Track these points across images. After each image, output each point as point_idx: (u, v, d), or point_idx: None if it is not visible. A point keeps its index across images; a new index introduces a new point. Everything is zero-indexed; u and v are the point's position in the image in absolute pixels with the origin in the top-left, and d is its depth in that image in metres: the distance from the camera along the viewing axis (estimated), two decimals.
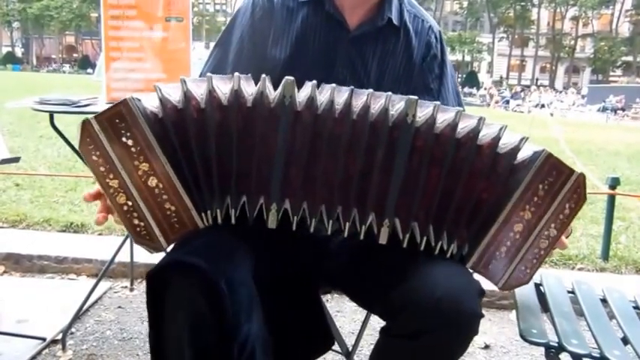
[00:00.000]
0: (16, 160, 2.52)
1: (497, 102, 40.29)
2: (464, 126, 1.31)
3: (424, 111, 1.31)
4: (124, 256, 3.13)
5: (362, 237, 1.36)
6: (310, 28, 1.66)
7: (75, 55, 75.41)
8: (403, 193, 1.33)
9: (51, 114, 2.57)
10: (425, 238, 1.36)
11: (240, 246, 1.39)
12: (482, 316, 1.34)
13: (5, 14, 68.88)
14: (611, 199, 4.31)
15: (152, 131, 1.26)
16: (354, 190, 1.34)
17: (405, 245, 1.35)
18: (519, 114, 29.54)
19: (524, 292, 1.98)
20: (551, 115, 26.42)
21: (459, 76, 69.52)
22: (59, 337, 2.70)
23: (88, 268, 3.60)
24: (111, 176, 1.27)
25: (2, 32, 73.24)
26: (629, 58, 66.61)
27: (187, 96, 1.28)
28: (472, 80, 60.85)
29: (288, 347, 1.61)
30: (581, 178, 1.30)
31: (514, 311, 3.32)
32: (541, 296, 1.98)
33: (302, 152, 1.32)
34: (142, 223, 1.30)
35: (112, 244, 3.50)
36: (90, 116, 1.26)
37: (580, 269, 4.01)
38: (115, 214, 1.33)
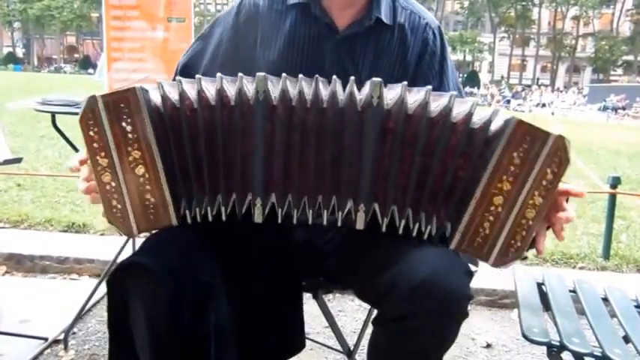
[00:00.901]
0: (19, 160, 2.53)
1: (497, 102, 40.24)
2: (436, 105, 1.31)
3: (392, 93, 1.32)
4: (126, 256, 3.13)
5: (340, 223, 1.37)
6: (299, 31, 1.67)
7: (76, 55, 75.45)
8: (378, 176, 1.33)
9: (53, 114, 2.57)
10: (403, 221, 1.35)
11: (200, 245, 1.43)
12: (470, 297, 1.33)
13: (6, 14, 68.92)
14: (612, 198, 4.31)
15: (152, 124, 1.30)
16: (330, 178, 1.35)
17: (383, 229, 1.36)
18: (520, 113, 29.51)
19: (526, 291, 1.98)
20: (552, 114, 26.39)
21: (460, 75, 69.46)
22: (61, 337, 2.70)
23: (90, 268, 3.61)
24: (102, 154, 1.31)
25: (3, 32, 73.29)
26: (630, 58, 66.55)
27: (182, 96, 1.32)
28: (473, 80, 60.79)
29: (263, 344, 1.63)
30: (560, 140, 1.26)
31: (516, 310, 3.33)
32: (543, 295, 1.98)
33: (280, 145, 1.34)
34: (119, 206, 1.34)
35: (113, 244, 3.50)
36: (98, 93, 1.30)
37: (581, 268, 4.02)
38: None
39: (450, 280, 1.30)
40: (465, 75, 65.06)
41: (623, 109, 33.70)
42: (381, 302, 1.38)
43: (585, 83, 63.50)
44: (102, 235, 4.12)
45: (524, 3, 68.48)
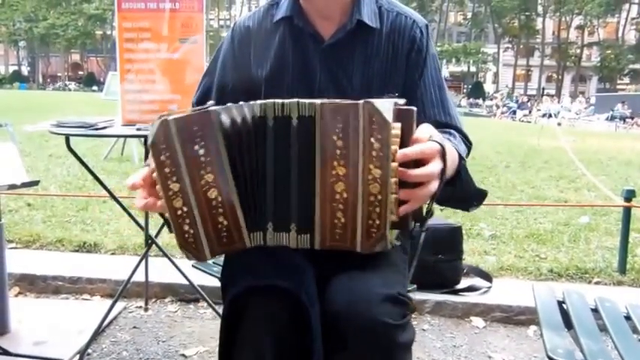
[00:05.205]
0: (36, 183, 2.54)
1: (503, 113, 40.19)
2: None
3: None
4: (138, 276, 3.12)
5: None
6: (287, 45, 1.70)
7: (80, 72, 75.82)
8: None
9: (67, 137, 2.60)
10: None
11: (302, 260, 1.43)
12: (393, 324, 1.31)
13: (12, 34, 69.39)
14: (627, 212, 4.27)
15: (226, 146, 1.29)
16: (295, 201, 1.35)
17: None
18: (526, 124, 29.47)
19: (547, 310, 1.96)
20: (559, 124, 26.33)
21: (465, 87, 69.54)
22: (76, 358, 2.70)
23: (102, 288, 3.60)
24: (174, 179, 1.29)
25: (9, 51, 73.77)
26: (637, 66, 66.45)
27: (244, 119, 1.32)
28: (478, 91, 60.80)
29: None
30: (368, 105, 1.23)
31: (532, 327, 3.31)
32: (564, 313, 1.96)
33: (283, 168, 1.34)
34: (192, 231, 1.33)
35: (125, 263, 3.50)
36: (170, 117, 1.28)
37: (597, 283, 3.97)
38: (156, 206, 1.36)
39: (364, 309, 1.30)
40: (470, 86, 65.15)
41: (632, 118, 33.51)
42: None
43: (592, 92, 63.38)
44: (113, 254, 4.11)
45: (527, 13, 68.52)
